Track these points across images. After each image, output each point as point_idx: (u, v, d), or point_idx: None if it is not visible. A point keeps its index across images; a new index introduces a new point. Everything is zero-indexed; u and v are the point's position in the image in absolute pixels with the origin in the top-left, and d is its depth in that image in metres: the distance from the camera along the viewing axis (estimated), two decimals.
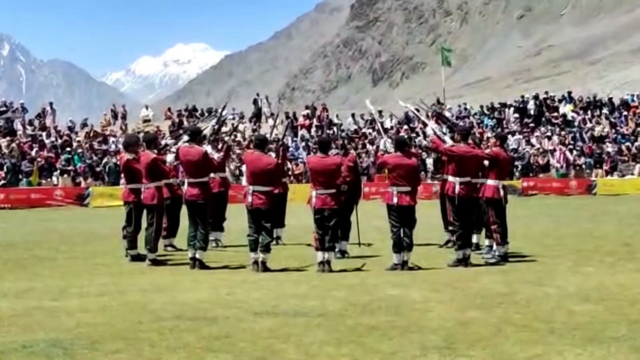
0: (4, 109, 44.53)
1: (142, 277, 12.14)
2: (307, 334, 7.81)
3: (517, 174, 39.94)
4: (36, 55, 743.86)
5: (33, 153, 37.74)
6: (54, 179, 36.68)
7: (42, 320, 8.59)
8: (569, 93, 53.45)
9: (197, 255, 13.13)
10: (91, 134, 43.05)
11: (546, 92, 53.92)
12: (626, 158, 43.50)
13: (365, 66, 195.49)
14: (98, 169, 37.07)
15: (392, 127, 47.18)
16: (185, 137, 14.46)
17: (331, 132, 44.98)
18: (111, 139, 41.21)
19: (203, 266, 13.05)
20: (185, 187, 13.73)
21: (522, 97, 53.01)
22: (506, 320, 8.35)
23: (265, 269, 12.64)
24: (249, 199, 12.83)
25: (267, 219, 12.86)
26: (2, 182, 35.21)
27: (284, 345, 7.33)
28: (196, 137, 13.81)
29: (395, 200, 12.88)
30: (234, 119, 48.96)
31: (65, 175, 36.87)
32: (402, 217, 12.89)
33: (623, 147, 44.17)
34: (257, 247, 12.73)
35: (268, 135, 18.28)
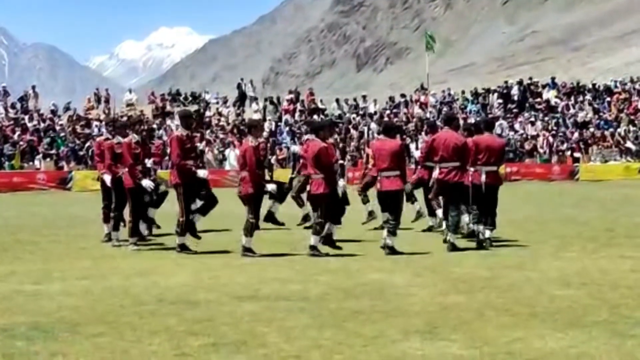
0: None
1: (124, 261, 12.09)
2: (290, 318, 7.81)
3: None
4: (19, 39, 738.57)
5: (15, 136, 37.54)
6: (37, 162, 36.53)
7: (24, 303, 8.58)
8: (553, 79, 53.60)
9: (177, 241, 13.03)
10: (74, 118, 42.86)
11: (530, 78, 54.05)
12: (609, 144, 43.70)
13: (350, 51, 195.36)
14: (81, 153, 36.92)
15: (376, 112, 47.26)
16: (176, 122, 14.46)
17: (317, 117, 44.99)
18: (94, 123, 41.03)
19: (184, 249, 12.93)
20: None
21: (506, 82, 53.14)
22: (488, 305, 8.37)
23: (246, 251, 12.58)
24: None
25: (249, 203, 12.81)
26: None
27: (265, 329, 7.32)
28: (187, 121, 13.69)
29: (378, 185, 12.91)
30: (217, 103, 48.96)
31: (48, 159, 36.72)
32: (386, 202, 12.84)
33: (606, 132, 44.36)
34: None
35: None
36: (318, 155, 12.64)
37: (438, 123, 17.03)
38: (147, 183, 13.58)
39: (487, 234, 13.59)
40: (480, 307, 8.23)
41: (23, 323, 7.54)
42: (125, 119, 18.88)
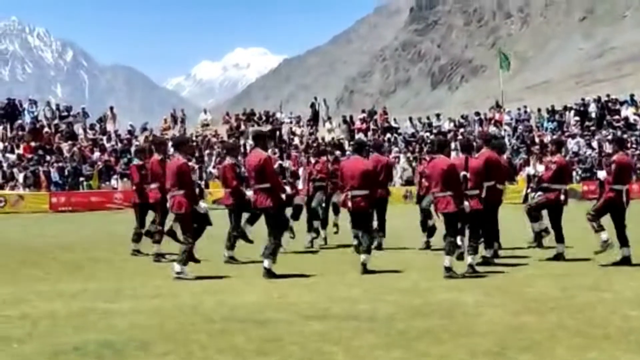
0: (65, 113, 45.20)
1: (195, 279, 12.15)
2: (357, 337, 7.77)
3: (577, 177, 39.36)
4: (98, 61, 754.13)
5: (94, 157, 38.27)
6: (114, 182, 37.14)
7: (96, 321, 8.71)
8: (632, 96, 52.52)
9: (266, 265, 12.38)
10: (151, 138, 43.50)
11: (607, 95, 53.08)
12: None
13: (424, 69, 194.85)
14: None
15: (449, 131, 46.95)
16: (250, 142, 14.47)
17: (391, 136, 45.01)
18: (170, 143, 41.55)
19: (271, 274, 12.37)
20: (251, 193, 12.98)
21: (583, 99, 52.30)
22: (560, 326, 8.21)
23: (366, 271, 12.64)
24: (349, 204, 13.05)
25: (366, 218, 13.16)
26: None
27: (333, 349, 7.30)
28: (259, 140, 13.33)
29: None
30: (291, 122, 49.25)
31: (125, 179, 37.29)
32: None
33: None
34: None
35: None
36: (447, 172, 12.37)
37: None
38: (203, 205, 13.29)
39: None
40: (551, 328, 8.09)
41: (94, 341, 7.64)
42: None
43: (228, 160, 15.03)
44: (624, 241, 13.63)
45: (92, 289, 11.12)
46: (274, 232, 12.37)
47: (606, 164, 14.80)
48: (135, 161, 16.43)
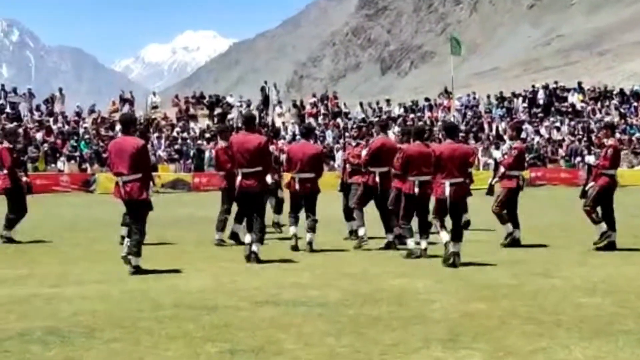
0: (12, 94, 44.45)
1: (143, 264, 11.89)
2: (307, 324, 7.68)
3: (525, 164, 39.73)
4: (45, 41, 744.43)
5: (38, 137, 37.66)
6: (60, 164, 36.61)
7: (40, 307, 8.51)
8: (579, 83, 53.12)
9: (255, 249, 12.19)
10: (98, 120, 42.99)
11: (555, 82, 53.61)
12: (636, 148, 43.24)
13: (374, 55, 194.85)
14: (104, 155, 36.93)
15: (399, 116, 47.12)
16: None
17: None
18: (118, 126, 41.09)
19: None
20: (239, 178, 12.46)
21: (533, 86, 52.77)
22: (512, 313, 8.19)
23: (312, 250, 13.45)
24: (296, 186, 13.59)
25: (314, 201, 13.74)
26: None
27: (283, 335, 7.20)
28: (250, 123, 13.19)
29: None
30: (241, 106, 48.98)
31: (72, 161, 36.81)
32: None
33: (633, 137, 43.92)
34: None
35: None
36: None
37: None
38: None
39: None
40: (503, 315, 8.06)
41: (39, 327, 7.46)
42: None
43: (221, 144, 14.95)
44: (612, 225, 13.80)
45: (37, 274, 10.89)
46: (260, 215, 12.36)
47: (595, 149, 15.09)
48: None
